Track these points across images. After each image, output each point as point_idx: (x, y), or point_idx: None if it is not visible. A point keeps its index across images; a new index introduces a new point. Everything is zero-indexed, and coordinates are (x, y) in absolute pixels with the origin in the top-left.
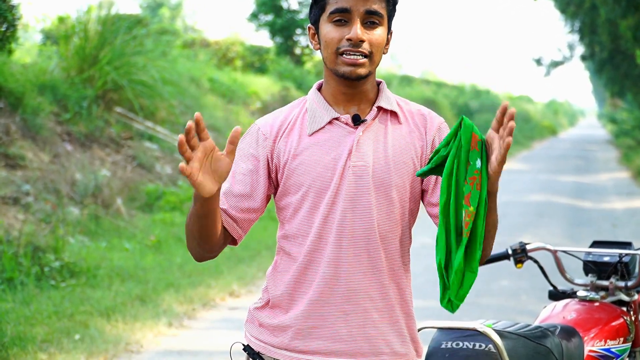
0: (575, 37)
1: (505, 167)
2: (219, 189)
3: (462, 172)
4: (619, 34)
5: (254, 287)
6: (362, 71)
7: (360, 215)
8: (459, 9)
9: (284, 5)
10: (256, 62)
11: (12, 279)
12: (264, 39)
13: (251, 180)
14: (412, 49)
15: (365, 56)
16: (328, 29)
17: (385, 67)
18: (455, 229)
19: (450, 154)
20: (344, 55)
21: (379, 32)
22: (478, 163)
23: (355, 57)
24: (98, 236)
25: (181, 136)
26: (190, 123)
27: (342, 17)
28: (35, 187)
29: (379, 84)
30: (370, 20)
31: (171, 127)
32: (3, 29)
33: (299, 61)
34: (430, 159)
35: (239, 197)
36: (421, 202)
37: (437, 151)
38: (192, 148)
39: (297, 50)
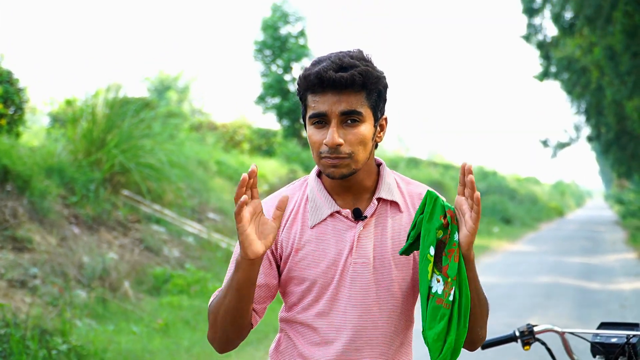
0: (582, 118)
1: (512, 248)
2: (262, 256)
3: (427, 242)
4: (625, 115)
5: None
6: (344, 171)
7: (363, 310)
8: (465, 91)
9: (291, 88)
10: (263, 145)
11: None
12: (271, 122)
13: (264, 270)
14: (419, 132)
15: (346, 157)
16: (310, 132)
17: (392, 149)
18: (427, 298)
19: (423, 227)
20: (325, 158)
21: (361, 130)
22: (456, 236)
23: (335, 160)
24: (105, 319)
25: (243, 181)
26: (244, 175)
27: (321, 120)
28: (43, 270)
29: (379, 164)
30: (350, 119)
31: (178, 210)
32: (11, 112)
33: (306, 144)
34: (409, 235)
35: (257, 287)
36: None
37: (414, 226)
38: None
39: (304, 133)
